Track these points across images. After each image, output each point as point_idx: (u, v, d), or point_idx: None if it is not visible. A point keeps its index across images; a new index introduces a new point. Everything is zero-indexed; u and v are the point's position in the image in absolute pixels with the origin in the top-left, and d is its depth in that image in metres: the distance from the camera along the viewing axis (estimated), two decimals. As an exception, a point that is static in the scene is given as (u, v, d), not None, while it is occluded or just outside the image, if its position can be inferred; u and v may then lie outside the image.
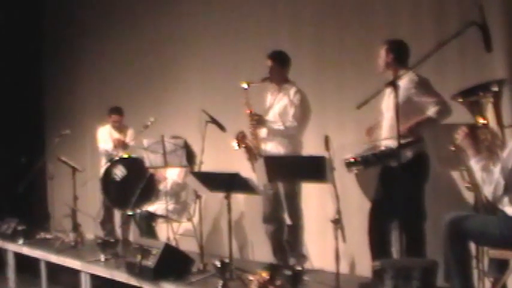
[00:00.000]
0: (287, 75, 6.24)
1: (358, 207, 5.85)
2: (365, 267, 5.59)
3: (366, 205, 5.52)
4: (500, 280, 4.24)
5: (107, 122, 8.63)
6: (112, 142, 8.38)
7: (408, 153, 4.97)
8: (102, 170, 7.80)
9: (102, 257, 6.86)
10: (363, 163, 5.11)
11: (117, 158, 7.76)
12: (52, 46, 11.51)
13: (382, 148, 5.14)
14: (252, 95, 6.19)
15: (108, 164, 7.72)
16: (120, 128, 8.58)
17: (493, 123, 4.32)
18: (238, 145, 6.18)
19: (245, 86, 6.14)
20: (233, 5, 7.74)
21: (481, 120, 4.32)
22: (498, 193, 3.92)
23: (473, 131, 4.18)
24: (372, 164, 5.15)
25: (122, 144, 8.27)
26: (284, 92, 6.16)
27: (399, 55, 5.23)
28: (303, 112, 6.08)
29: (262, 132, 6.17)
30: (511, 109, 4.81)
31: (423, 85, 5.05)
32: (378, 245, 5.32)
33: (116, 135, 8.50)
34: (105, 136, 8.56)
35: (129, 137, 8.41)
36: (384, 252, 5.22)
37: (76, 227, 8.25)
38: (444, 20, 5.46)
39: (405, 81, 5.01)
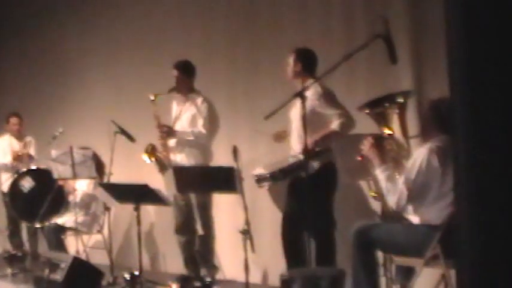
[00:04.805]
0: (193, 85, 6.25)
1: (270, 217, 5.86)
2: (277, 277, 5.58)
3: (278, 215, 5.52)
4: (407, 287, 4.33)
5: (5, 131, 8.33)
6: (11, 155, 8.11)
7: (315, 164, 5.00)
8: (5, 184, 7.62)
9: (9, 272, 6.70)
10: (272, 179, 5.10)
11: (24, 170, 7.58)
12: None
13: (290, 161, 5.15)
14: (161, 106, 6.16)
15: (16, 175, 7.55)
16: (20, 136, 8.30)
17: (398, 133, 4.43)
18: (149, 158, 6.15)
19: (152, 97, 6.11)
20: (143, 15, 7.66)
21: (387, 131, 4.41)
22: (402, 203, 4.00)
23: (379, 141, 4.26)
24: (281, 179, 5.12)
25: (22, 159, 8.03)
26: (191, 102, 6.17)
27: (307, 64, 5.25)
28: (211, 121, 6.10)
29: (171, 142, 6.14)
30: (415, 120, 4.91)
31: (327, 97, 5.07)
32: (293, 254, 5.31)
33: (16, 145, 8.25)
34: (5, 148, 8.25)
35: (32, 147, 8.18)
36: (299, 261, 5.19)
37: (-18, 241, 8.02)
38: (353, 32, 5.55)
39: (311, 92, 5.04)
